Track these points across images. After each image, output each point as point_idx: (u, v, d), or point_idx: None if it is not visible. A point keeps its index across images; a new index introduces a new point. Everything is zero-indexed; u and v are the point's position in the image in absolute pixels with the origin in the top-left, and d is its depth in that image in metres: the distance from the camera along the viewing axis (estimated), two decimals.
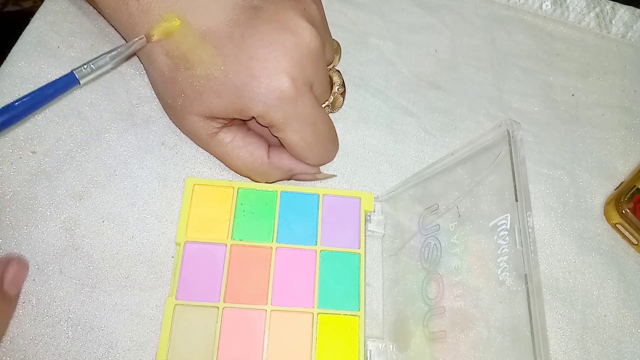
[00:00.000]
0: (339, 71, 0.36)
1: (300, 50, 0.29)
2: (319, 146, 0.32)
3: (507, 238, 0.25)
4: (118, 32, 0.33)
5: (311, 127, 0.30)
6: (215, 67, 0.29)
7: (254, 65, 0.28)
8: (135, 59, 0.35)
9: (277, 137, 0.31)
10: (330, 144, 0.33)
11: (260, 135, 0.33)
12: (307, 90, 0.30)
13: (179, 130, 0.34)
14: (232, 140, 0.32)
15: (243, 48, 0.28)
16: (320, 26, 0.31)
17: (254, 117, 0.30)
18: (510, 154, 0.25)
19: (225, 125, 0.31)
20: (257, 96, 0.28)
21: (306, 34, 0.29)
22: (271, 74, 0.28)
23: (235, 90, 0.29)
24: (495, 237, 0.26)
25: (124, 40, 0.34)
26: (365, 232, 0.34)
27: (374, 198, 0.35)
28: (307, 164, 0.33)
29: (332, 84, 0.35)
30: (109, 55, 0.28)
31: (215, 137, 0.31)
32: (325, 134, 0.32)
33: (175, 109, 0.31)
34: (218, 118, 0.30)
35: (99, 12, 0.35)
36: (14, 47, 0.34)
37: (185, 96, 0.30)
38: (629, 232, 0.38)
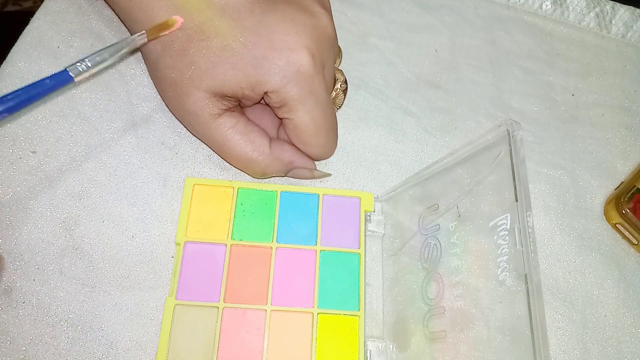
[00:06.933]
0: (341, 70, 0.36)
1: (319, 31, 0.30)
2: (325, 132, 0.32)
3: (507, 238, 0.25)
4: (125, 27, 0.33)
5: (322, 109, 0.31)
6: (234, 38, 0.29)
7: (275, 37, 0.29)
8: (134, 58, 0.35)
9: (286, 119, 0.31)
10: (333, 134, 0.33)
11: (261, 127, 0.33)
12: (322, 71, 0.30)
13: (179, 130, 0.34)
14: (235, 125, 0.31)
15: (264, 22, 0.29)
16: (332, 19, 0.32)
17: (265, 94, 0.30)
18: (510, 154, 0.25)
19: (229, 109, 0.31)
20: (276, 67, 0.29)
21: (324, 19, 0.31)
22: (292, 47, 0.29)
23: (254, 61, 0.29)
24: (495, 237, 0.26)
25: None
26: (365, 232, 0.34)
27: (374, 198, 0.35)
28: (309, 155, 0.33)
29: (335, 81, 0.35)
30: (107, 51, 0.27)
31: (217, 119, 0.30)
32: (333, 120, 0.32)
33: (180, 85, 0.30)
34: (226, 96, 0.30)
35: (110, 6, 0.34)
36: (14, 47, 0.34)
37: (196, 67, 0.29)
38: (629, 232, 0.38)
